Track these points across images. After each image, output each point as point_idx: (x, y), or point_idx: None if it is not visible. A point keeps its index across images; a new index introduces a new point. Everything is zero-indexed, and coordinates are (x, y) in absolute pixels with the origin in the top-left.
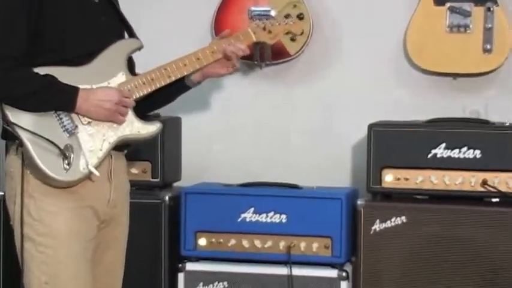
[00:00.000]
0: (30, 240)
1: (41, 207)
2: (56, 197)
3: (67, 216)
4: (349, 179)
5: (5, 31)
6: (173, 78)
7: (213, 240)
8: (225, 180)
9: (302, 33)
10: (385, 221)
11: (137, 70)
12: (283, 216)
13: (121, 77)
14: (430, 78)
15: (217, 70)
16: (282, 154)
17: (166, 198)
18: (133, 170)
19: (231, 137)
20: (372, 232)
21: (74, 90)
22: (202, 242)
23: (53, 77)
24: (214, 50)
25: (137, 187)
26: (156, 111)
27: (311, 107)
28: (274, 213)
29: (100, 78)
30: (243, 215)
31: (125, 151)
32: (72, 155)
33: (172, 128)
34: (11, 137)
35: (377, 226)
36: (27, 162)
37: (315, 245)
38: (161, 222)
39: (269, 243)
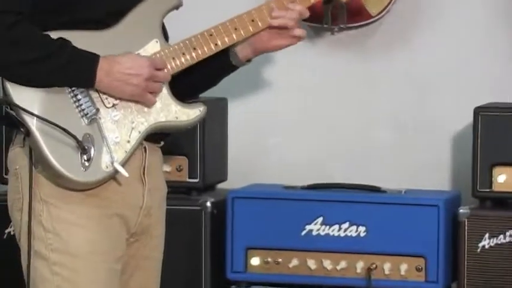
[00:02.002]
0: (41, 258)
1: (56, 216)
2: (74, 203)
3: (89, 227)
4: (449, 181)
5: None
6: (221, 47)
7: (269, 259)
8: (284, 182)
9: None
10: (496, 236)
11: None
12: (362, 229)
13: (155, 46)
14: None
15: (274, 42)
16: (360, 148)
17: (208, 204)
18: (165, 168)
19: (292, 126)
20: (479, 250)
21: (93, 59)
22: (254, 261)
23: (66, 40)
24: (274, 10)
25: (171, 189)
26: None
27: (397, 86)
28: (350, 225)
29: (127, 46)
30: (308, 227)
31: (162, 143)
32: (92, 149)
33: (215, 113)
34: (14, 124)
35: (486, 242)
36: (36, 157)
37: (403, 267)
38: (201, 235)
39: (343, 264)
